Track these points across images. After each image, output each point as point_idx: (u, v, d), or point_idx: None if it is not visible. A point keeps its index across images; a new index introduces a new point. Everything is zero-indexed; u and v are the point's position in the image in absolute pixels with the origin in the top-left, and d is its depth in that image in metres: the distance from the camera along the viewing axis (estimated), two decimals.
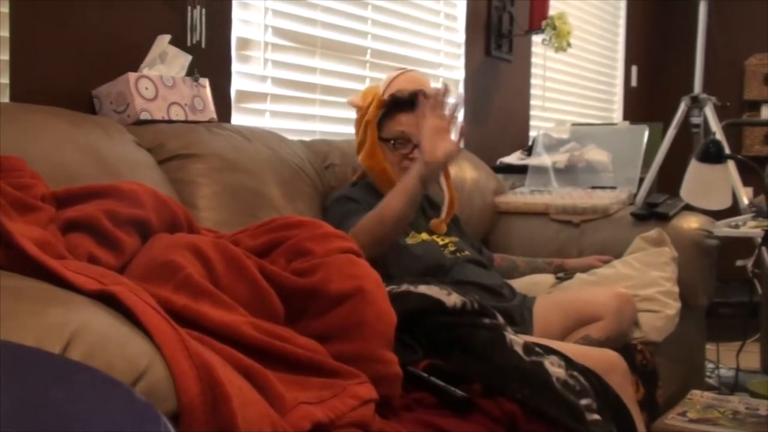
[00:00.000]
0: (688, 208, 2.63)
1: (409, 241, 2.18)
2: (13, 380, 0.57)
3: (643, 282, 2.28)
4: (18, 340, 0.76)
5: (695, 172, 2.50)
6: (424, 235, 2.22)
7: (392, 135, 2.23)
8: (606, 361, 1.75)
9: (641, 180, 3.14)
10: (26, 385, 0.57)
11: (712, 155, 2.47)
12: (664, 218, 2.55)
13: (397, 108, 2.24)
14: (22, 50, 1.91)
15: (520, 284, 2.34)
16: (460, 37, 3.60)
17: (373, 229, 1.97)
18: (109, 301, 0.94)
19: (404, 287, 1.63)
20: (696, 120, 3.25)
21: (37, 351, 0.71)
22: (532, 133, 4.11)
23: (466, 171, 2.92)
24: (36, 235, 1.12)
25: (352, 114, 2.36)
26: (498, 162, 3.53)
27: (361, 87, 2.83)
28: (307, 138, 2.57)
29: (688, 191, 2.51)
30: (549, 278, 2.43)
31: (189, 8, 2.19)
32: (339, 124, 2.91)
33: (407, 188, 1.99)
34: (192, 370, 0.88)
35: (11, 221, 1.10)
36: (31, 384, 0.58)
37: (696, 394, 2.25)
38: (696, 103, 3.23)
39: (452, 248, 2.20)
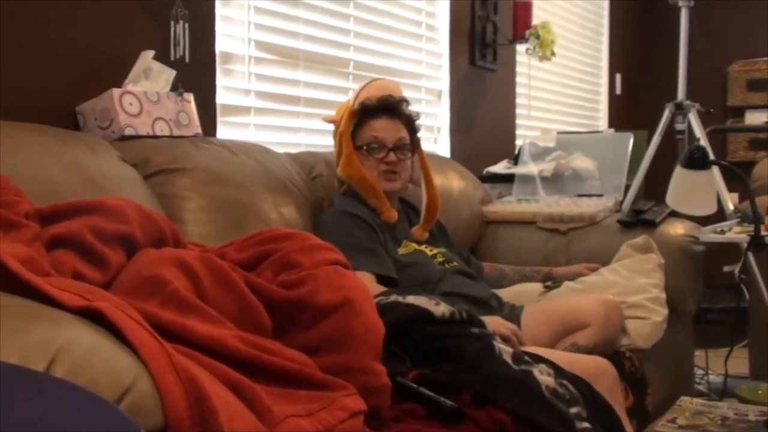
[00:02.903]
0: (674, 214, 2.64)
1: (401, 251, 2.18)
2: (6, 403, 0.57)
3: (631, 289, 2.29)
4: (2, 357, 0.76)
5: (680, 178, 2.51)
6: (414, 245, 2.22)
7: (365, 141, 2.25)
8: (596, 367, 1.75)
9: (627, 187, 3.16)
10: (19, 409, 0.57)
11: (697, 161, 2.48)
12: (650, 225, 2.57)
13: (367, 115, 2.26)
14: (5, 67, 1.90)
15: (508, 293, 2.35)
16: (443, 47, 3.61)
17: None
18: (94, 317, 0.93)
19: (392, 298, 1.63)
20: (680, 127, 3.27)
21: (15, 368, 0.70)
22: (518, 142, 4.12)
23: (453, 181, 2.93)
24: (20, 252, 1.11)
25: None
26: (485, 171, 3.53)
27: (344, 98, 2.84)
28: (292, 150, 2.57)
29: (673, 198, 2.52)
30: (537, 287, 2.43)
31: (172, 23, 2.19)
32: (323, 136, 2.90)
33: None
34: (178, 384, 0.87)
35: None
36: (2, 403, 0.57)
37: (685, 400, 2.25)
38: (680, 109, 3.25)
39: (441, 259, 2.20)
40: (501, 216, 2.93)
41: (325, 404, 1.14)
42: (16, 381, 0.63)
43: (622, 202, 2.98)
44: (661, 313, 2.28)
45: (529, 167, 3.28)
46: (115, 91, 1.99)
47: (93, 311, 0.93)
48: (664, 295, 2.32)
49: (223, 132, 2.51)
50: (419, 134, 2.36)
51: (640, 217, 2.61)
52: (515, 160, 3.50)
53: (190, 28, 2.23)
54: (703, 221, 2.67)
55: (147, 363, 0.86)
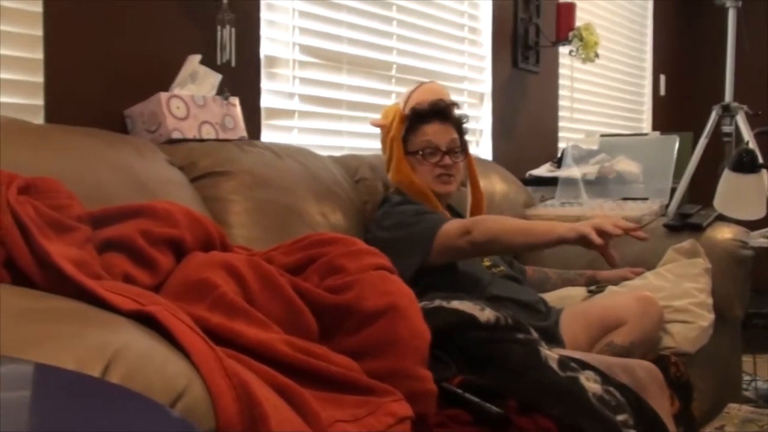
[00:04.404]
0: (722, 218, 2.60)
1: None
2: (60, 408, 0.58)
3: (676, 293, 2.25)
4: (59, 362, 0.77)
5: (728, 182, 2.47)
6: None
7: (419, 146, 2.25)
8: (643, 371, 1.73)
9: (672, 190, 3.11)
10: (74, 414, 0.58)
11: (746, 165, 2.44)
12: (697, 229, 2.52)
13: (419, 120, 2.27)
14: (56, 72, 1.94)
15: (551, 297, 2.33)
16: (486, 50, 3.60)
17: (487, 232, 1.98)
18: (146, 321, 0.94)
19: (437, 303, 1.63)
20: (727, 129, 3.22)
21: (80, 377, 0.71)
22: (561, 145, 4.09)
23: (496, 184, 2.92)
24: (73, 255, 1.13)
25: (379, 129, 2.38)
26: (527, 174, 3.51)
27: (387, 102, 2.85)
28: (335, 153, 2.58)
29: (721, 201, 2.48)
30: (581, 291, 2.41)
31: (218, 28, 2.21)
32: (366, 139, 2.91)
33: (540, 233, 1.98)
34: (230, 390, 0.88)
35: (49, 242, 1.12)
36: (78, 412, 0.58)
37: (733, 407, 2.22)
38: (727, 111, 3.20)
39: (488, 263, 2.20)
40: (544, 220, 2.90)
41: (371, 410, 1.14)
42: (86, 390, 0.64)
43: (667, 206, 2.94)
44: (708, 318, 2.24)
45: (572, 170, 3.25)
46: (163, 95, 2.02)
47: (145, 315, 0.95)
48: (710, 300, 2.28)
49: (267, 135, 2.53)
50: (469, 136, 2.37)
51: (687, 221, 2.56)
52: (558, 163, 3.47)
53: (236, 33, 2.25)
54: (751, 225, 2.63)
55: (199, 367, 0.87)
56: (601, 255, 1.90)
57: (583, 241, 1.88)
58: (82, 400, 0.62)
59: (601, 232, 1.84)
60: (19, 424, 0.59)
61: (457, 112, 2.33)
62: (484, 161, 3.19)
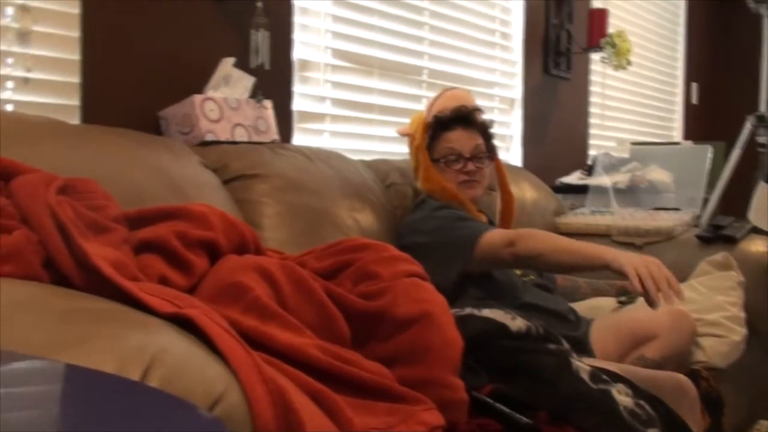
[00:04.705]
0: (756, 231, 2.57)
1: None
2: (101, 412, 0.58)
3: (708, 306, 2.23)
4: (98, 363, 0.77)
5: (763, 194, 2.44)
6: None
7: (442, 154, 2.25)
8: (676, 384, 1.71)
9: (704, 201, 3.08)
10: (114, 417, 0.58)
11: None
12: (730, 241, 2.49)
13: (442, 127, 2.26)
14: (92, 73, 1.95)
15: (581, 307, 2.31)
16: (517, 56, 3.59)
17: (534, 248, 1.96)
18: (183, 324, 0.95)
19: (467, 311, 1.62)
20: (762, 139, 3.18)
21: (120, 380, 0.72)
22: (592, 152, 4.07)
23: (526, 191, 2.90)
24: (111, 256, 1.13)
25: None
26: (557, 182, 3.50)
27: (419, 107, 2.85)
28: (365, 157, 2.58)
29: (755, 214, 2.46)
30: (611, 302, 2.39)
31: (252, 31, 2.22)
32: (397, 144, 2.91)
33: (588, 256, 1.93)
34: (266, 395, 0.88)
35: (87, 242, 1.12)
36: (119, 416, 0.59)
37: (764, 424, 2.19)
38: (762, 121, 3.16)
39: (519, 271, 2.18)
40: (574, 228, 2.89)
41: (403, 418, 1.14)
42: (123, 393, 0.65)
43: (699, 217, 2.91)
44: (740, 332, 2.21)
45: (603, 179, 3.23)
46: (197, 98, 2.03)
47: (183, 318, 0.95)
48: (743, 314, 2.26)
49: (298, 138, 2.54)
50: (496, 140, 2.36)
51: (720, 232, 2.54)
52: (589, 170, 3.45)
53: (270, 36, 2.26)
54: None
55: (237, 372, 0.87)
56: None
57: (623, 275, 1.84)
58: (122, 404, 0.62)
59: (641, 280, 1.78)
60: (59, 427, 0.59)
61: (482, 116, 2.31)
62: (514, 168, 3.18)
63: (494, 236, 2.01)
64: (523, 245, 1.95)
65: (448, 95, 2.35)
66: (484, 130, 2.31)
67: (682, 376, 1.78)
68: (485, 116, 2.34)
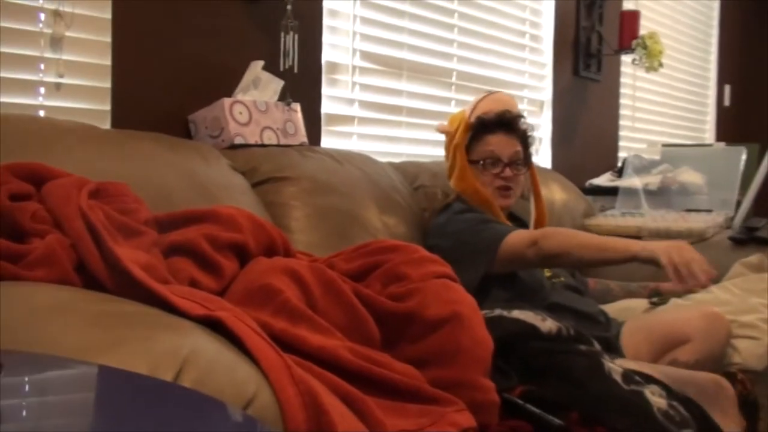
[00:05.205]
0: None
1: None
2: (137, 413, 0.58)
3: (743, 308, 2.20)
4: (131, 366, 0.78)
5: None
6: None
7: (481, 156, 2.23)
8: (714, 385, 1.69)
9: (738, 203, 3.04)
10: (151, 418, 0.58)
11: None
12: (765, 243, 2.46)
13: (484, 130, 2.24)
14: (123, 78, 1.97)
15: (612, 309, 2.29)
16: (547, 58, 3.57)
17: (559, 245, 1.96)
18: (214, 326, 0.95)
19: (497, 312, 1.62)
20: None
21: (154, 381, 0.72)
22: (622, 154, 4.03)
23: (555, 193, 2.89)
24: (142, 259, 1.14)
25: (438, 136, 2.37)
26: (587, 183, 3.47)
27: (447, 109, 2.84)
28: (393, 160, 2.58)
29: None
30: (642, 303, 2.36)
31: (282, 34, 2.23)
32: (425, 146, 2.91)
33: (614, 249, 1.94)
34: (297, 397, 0.88)
35: (118, 246, 1.13)
36: (154, 417, 0.59)
37: None
38: None
39: (548, 274, 2.17)
40: (605, 230, 2.86)
41: (434, 419, 1.13)
42: (157, 394, 0.65)
43: (732, 219, 2.87)
44: None
45: (633, 180, 3.20)
46: (226, 101, 2.04)
47: (214, 320, 0.95)
48: None
49: (327, 141, 2.54)
50: (533, 148, 2.34)
51: (754, 234, 2.50)
52: (619, 172, 3.42)
53: (299, 39, 2.26)
54: None
55: (268, 374, 0.87)
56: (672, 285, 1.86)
57: (654, 263, 1.84)
58: (157, 405, 0.62)
59: (674, 266, 1.79)
60: (95, 429, 0.60)
61: (523, 124, 2.30)
62: (543, 169, 3.16)
63: (517, 237, 2.01)
64: (547, 243, 1.95)
65: (493, 98, 2.34)
66: (524, 137, 2.30)
67: (719, 377, 1.75)
68: (527, 124, 2.33)
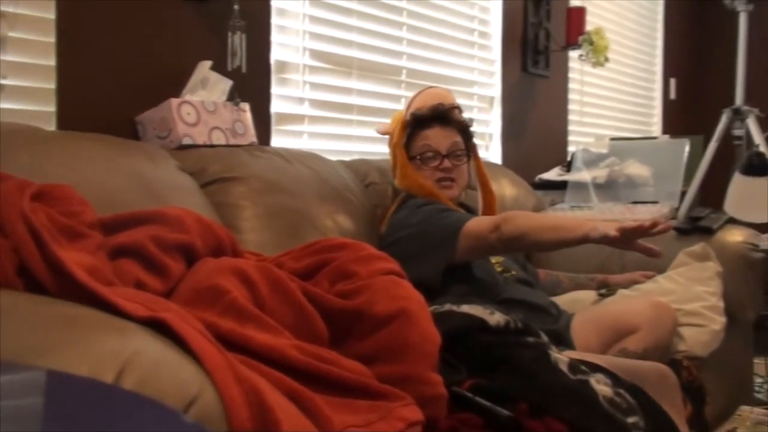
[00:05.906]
0: (732, 221, 2.59)
1: None
2: (75, 416, 0.58)
3: (687, 296, 2.25)
4: (73, 368, 0.78)
5: (739, 185, 2.47)
6: None
7: (419, 151, 2.26)
8: (657, 373, 1.72)
9: (683, 194, 3.11)
10: (89, 421, 0.58)
11: (756, 168, 2.44)
12: (707, 232, 2.52)
13: (420, 125, 2.28)
14: (68, 79, 1.95)
15: (562, 301, 2.33)
16: (496, 54, 3.61)
17: (517, 228, 1.97)
18: (158, 327, 0.95)
19: (447, 307, 1.63)
20: (738, 132, 3.21)
21: (93, 383, 0.72)
22: (571, 149, 4.09)
23: (506, 188, 2.92)
24: (86, 261, 1.14)
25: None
26: (537, 178, 3.51)
27: (398, 107, 2.86)
28: (345, 158, 2.59)
29: (731, 205, 2.48)
30: (591, 295, 2.41)
31: (229, 34, 2.22)
32: (376, 144, 2.92)
33: (566, 228, 1.96)
34: (242, 395, 0.88)
35: (61, 248, 1.12)
36: (93, 419, 0.59)
37: (745, 410, 2.21)
38: (738, 115, 3.19)
39: (499, 268, 2.20)
40: None
41: (382, 415, 1.15)
42: (102, 397, 0.65)
43: (677, 209, 2.94)
44: (719, 321, 2.24)
45: (582, 174, 3.25)
46: (174, 101, 2.03)
47: (157, 321, 0.95)
48: (722, 304, 2.28)
49: (277, 140, 2.54)
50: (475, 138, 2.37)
51: (697, 224, 2.56)
52: (568, 167, 3.47)
53: (247, 39, 2.26)
54: (762, 228, 2.62)
55: (211, 374, 0.88)
56: (640, 252, 1.89)
57: (605, 240, 1.87)
58: (96, 407, 0.62)
59: (624, 232, 1.84)
60: None
61: (461, 115, 2.32)
62: (493, 165, 3.20)
63: (480, 223, 2.02)
64: (508, 227, 1.96)
65: (427, 93, 2.36)
66: (462, 128, 2.32)
67: (663, 366, 1.79)
68: (465, 115, 2.35)
